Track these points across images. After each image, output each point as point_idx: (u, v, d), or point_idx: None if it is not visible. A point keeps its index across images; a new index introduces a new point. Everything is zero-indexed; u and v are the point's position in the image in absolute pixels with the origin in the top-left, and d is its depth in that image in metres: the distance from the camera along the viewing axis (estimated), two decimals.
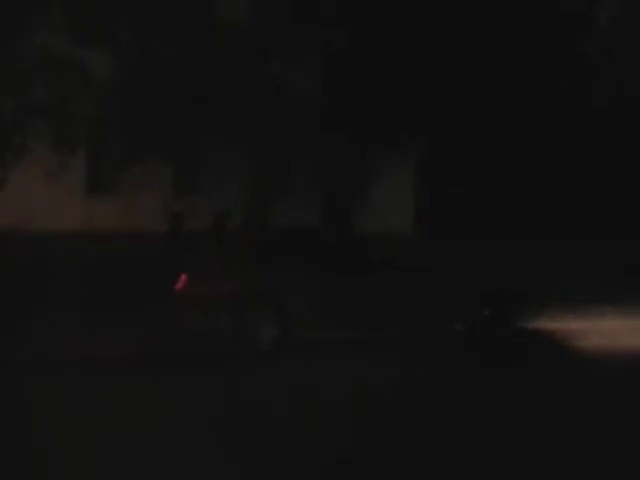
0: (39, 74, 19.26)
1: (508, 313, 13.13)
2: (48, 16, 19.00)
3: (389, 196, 23.19)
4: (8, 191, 19.92)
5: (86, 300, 15.07)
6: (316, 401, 9.86)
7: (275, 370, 11.66)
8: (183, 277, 13.19)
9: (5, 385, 10.49)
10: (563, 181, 21.48)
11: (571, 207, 21.50)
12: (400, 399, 10.04)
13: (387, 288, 12.97)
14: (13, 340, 12.85)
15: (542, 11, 21.06)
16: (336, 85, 20.67)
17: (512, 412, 9.53)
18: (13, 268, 16.79)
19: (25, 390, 10.26)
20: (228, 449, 8.11)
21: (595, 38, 21.04)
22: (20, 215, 20.72)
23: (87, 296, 15.33)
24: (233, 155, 21.27)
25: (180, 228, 18.44)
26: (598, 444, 8.30)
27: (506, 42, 20.86)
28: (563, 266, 17.32)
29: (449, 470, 7.62)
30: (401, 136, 21.49)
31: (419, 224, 23.14)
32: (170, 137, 20.65)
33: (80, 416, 9.09)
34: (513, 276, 14.26)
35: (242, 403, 9.85)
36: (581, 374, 11.30)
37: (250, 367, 11.82)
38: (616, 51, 20.63)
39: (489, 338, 12.87)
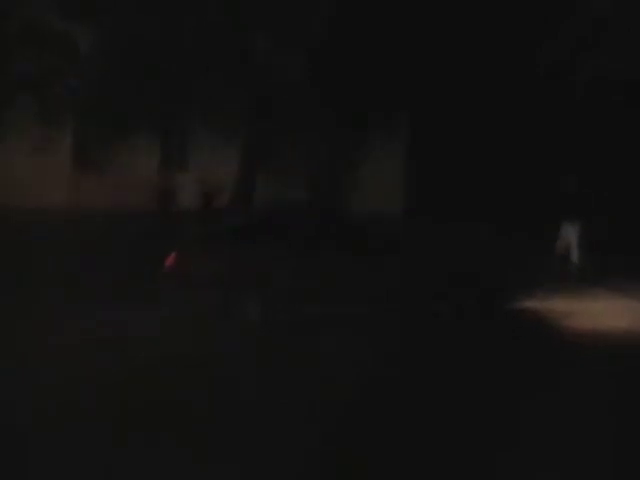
0: (25, 48, 19.14)
1: (495, 294, 13.15)
2: None
3: (378, 175, 23.13)
4: None
5: (73, 279, 14.97)
6: (302, 373, 9.95)
7: (262, 345, 11.67)
8: (172, 255, 13.21)
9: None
10: (555, 165, 21.41)
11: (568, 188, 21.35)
12: (384, 373, 10.15)
13: (375, 266, 12.99)
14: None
15: None
16: (324, 63, 20.60)
17: (493, 389, 9.56)
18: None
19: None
20: (218, 424, 8.13)
21: (582, 20, 20.97)
22: (5, 191, 20.60)
23: (73, 275, 15.23)
24: (221, 132, 21.21)
25: (169, 205, 18.41)
26: (577, 424, 8.34)
27: (496, 34, 20.87)
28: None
29: (446, 450, 7.65)
30: (391, 114, 21.46)
31: (409, 204, 23.08)
32: (157, 114, 20.57)
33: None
34: (501, 258, 14.28)
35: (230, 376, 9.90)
36: (567, 353, 11.34)
37: (238, 342, 11.83)
38: (603, 34, 20.57)
39: (476, 318, 12.87)
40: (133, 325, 12.36)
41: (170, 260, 13.19)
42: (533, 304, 13.61)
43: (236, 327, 12.57)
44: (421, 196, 22.58)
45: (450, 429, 8.17)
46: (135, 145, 21.05)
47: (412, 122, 22.56)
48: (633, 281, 15.36)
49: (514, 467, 7.27)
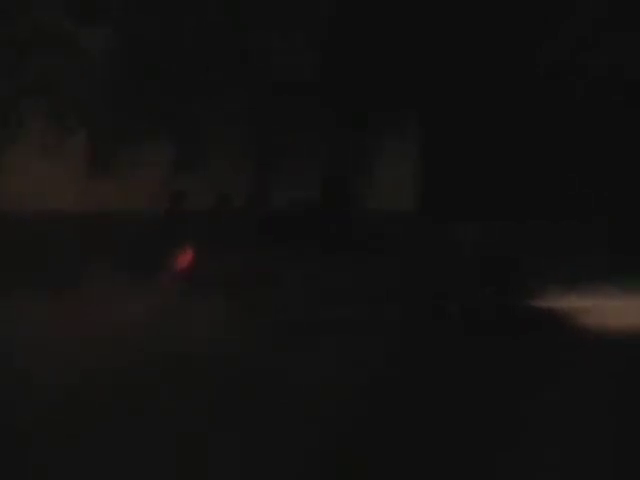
0: (34, 51, 19.13)
1: (508, 292, 13.13)
2: None
3: (390, 174, 22.98)
4: (4, 171, 19.76)
5: (87, 281, 14.96)
6: (302, 372, 9.96)
7: (262, 345, 11.67)
8: (185, 257, 13.23)
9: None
10: (566, 162, 21.39)
11: (573, 187, 21.34)
12: (384, 373, 10.16)
13: (383, 266, 13.00)
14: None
15: None
16: (327, 62, 20.57)
17: (507, 388, 9.56)
18: (10, 249, 16.63)
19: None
20: (218, 424, 8.14)
21: (582, 20, 20.98)
22: (17, 195, 20.50)
23: (87, 277, 15.21)
24: (233, 133, 21.12)
25: (181, 207, 18.28)
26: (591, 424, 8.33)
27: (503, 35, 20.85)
28: (567, 246, 17.21)
29: (450, 450, 7.66)
30: (402, 112, 21.39)
31: (421, 203, 22.94)
32: (168, 115, 20.52)
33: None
34: (514, 256, 14.25)
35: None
36: (582, 351, 11.31)
37: (238, 342, 11.82)
38: (603, 34, 20.56)
39: (487, 317, 12.86)
40: (134, 323, 12.38)
41: (183, 262, 13.24)
42: (541, 301, 13.59)
43: (236, 327, 12.57)
44: (433, 195, 22.49)
45: (450, 429, 8.17)
46: (146, 145, 20.94)
47: (421, 121, 22.45)
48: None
49: (514, 467, 7.27)
